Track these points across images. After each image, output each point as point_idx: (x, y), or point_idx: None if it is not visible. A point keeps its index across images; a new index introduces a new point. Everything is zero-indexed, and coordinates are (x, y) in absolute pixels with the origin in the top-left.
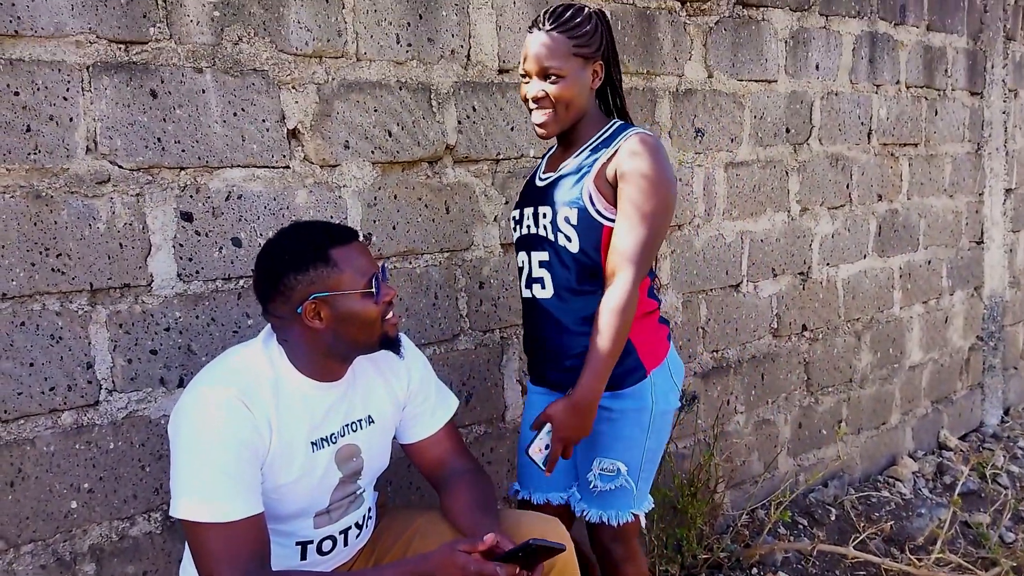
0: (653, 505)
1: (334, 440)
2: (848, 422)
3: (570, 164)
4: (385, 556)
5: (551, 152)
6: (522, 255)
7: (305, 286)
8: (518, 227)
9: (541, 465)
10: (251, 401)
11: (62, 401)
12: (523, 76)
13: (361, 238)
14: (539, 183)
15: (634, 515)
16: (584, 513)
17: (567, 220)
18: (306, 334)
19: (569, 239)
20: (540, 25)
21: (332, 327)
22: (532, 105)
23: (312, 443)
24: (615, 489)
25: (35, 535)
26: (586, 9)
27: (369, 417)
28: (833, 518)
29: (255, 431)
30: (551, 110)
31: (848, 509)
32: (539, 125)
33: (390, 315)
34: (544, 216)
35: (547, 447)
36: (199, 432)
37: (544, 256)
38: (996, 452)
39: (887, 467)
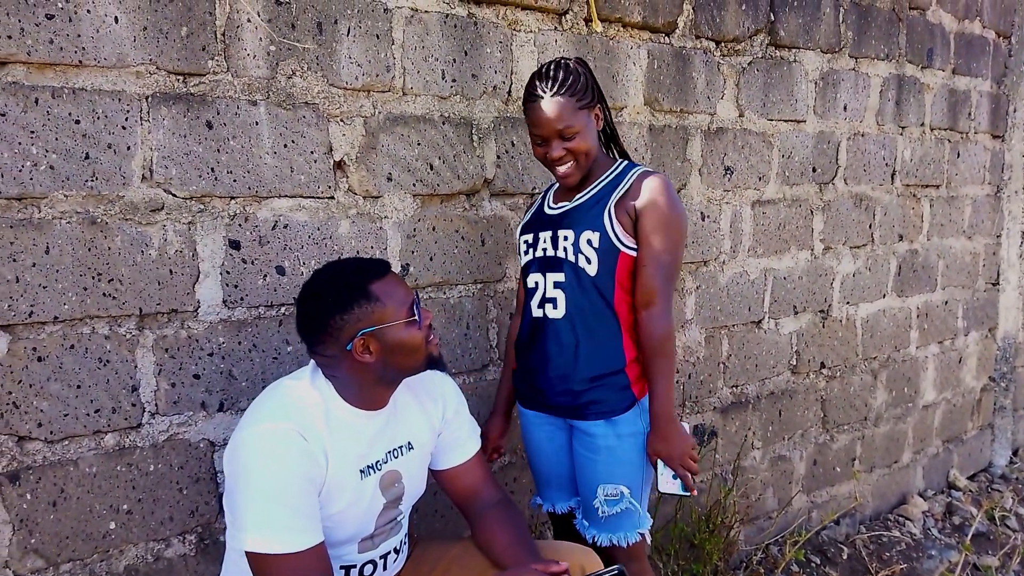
0: (652, 521)
1: (379, 467)
2: (861, 460)
3: (587, 195)
4: None
5: (555, 187)
6: (535, 276)
7: (352, 324)
8: (531, 250)
9: (681, 492)
10: (309, 434)
11: (106, 423)
12: (537, 141)
13: (399, 269)
14: (550, 211)
15: (640, 534)
16: (595, 539)
17: (589, 243)
18: (356, 367)
19: (589, 261)
20: (542, 93)
21: (382, 358)
22: (554, 161)
23: (360, 471)
24: (621, 512)
25: (74, 554)
26: (571, 64)
27: (409, 443)
28: (845, 557)
29: (314, 463)
30: (573, 162)
31: (860, 548)
32: (565, 177)
33: (432, 336)
34: (566, 239)
35: (673, 476)
36: (262, 467)
37: (560, 277)
38: (1005, 494)
39: (898, 505)
